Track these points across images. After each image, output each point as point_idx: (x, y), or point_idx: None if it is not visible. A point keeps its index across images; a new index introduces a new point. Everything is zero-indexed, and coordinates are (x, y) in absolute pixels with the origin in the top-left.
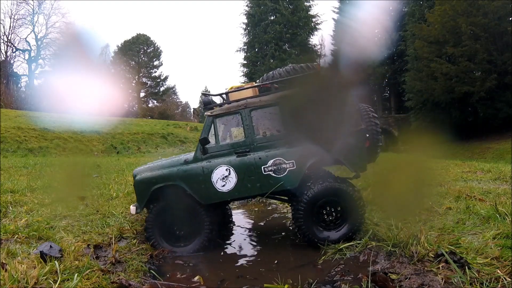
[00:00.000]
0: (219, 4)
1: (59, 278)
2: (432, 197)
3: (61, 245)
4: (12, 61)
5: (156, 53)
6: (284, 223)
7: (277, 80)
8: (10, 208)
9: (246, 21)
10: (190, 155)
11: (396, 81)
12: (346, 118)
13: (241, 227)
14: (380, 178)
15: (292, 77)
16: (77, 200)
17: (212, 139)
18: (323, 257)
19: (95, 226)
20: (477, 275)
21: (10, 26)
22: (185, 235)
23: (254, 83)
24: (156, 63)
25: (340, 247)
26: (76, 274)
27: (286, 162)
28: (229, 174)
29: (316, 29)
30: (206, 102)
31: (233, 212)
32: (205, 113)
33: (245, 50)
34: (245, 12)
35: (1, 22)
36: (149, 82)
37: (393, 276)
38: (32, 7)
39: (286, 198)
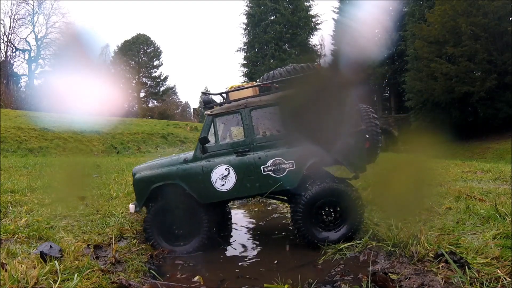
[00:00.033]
0: (219, 4)
1: (59, 278)
2: (432, 197)
3: (61, 245)
4: (12, 61)
5: (156, 53)
6: (284, 223)
7: (278, 80)
8: (10, 208)
9: (246, 21)
10: (190, 154)
11: (396, 81)
12: (346, 118)
13: (241, 227)
14: (380, 178)
15: (293, 77)
16: (77, 200)
17: (211, 138)
18: (323, 257)
19: (95, 226)
20: (477, 275)
21: (10, 26)
22: (184, 234)
23: (254, 82)
24: (156, 63)
25: (340, 247)
26: (76, 274)
27: (286, 162)
28: (228, 173)
29: (316, 29)
30: (206, 101)
31: (233, 212)
32: (205, 112)
33: (245, 50)
34: (245, 12)
35: (1, 22)
36: (149, 82)
37: (393, 276)
38: (32, 7)
39: (285, 198)
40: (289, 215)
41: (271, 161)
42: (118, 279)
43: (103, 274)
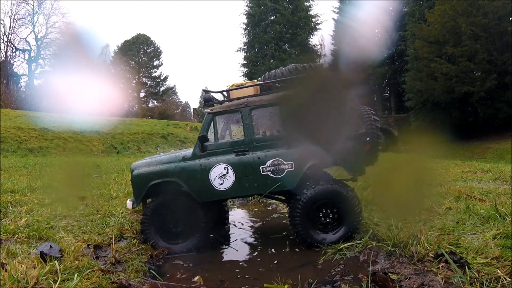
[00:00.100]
0: (219, 4)
1: (59, 278)
2: (432, 197)
3: (61, 245)
4: (12, 61)
5: (156, 53)
6: (284, 223)
7: (279, 80)
8: (10, 208)
9: (246, 21)
10: (189, 152)
11: (396, 81)
12: (347, 120)
13: (241, 227)
14: (380, 178)
15: (294, 77)
16: (77, 200)
17: (211, 137)
18: (323, 257)
19: (95, 226)
20: (477, 275)
21: (10, 26)
22: (181, 232)
23: (256, 81)
24: (156, 63)
25: (340, 247)
26: (76, 274)
27: (285, 163)
28: (227, 172)
29: (316, 29)
30: (207, 99)
31: (233, 211)
32: (205, 110)
33: (245, 50)
34: (245, 12)
35: (1, 22)
36: (149, 82)
37: (393, 276)
38: (32, 7)
39: (283, 198)
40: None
41: (270, 161)
42: (118, 279)
43: (103, 274)
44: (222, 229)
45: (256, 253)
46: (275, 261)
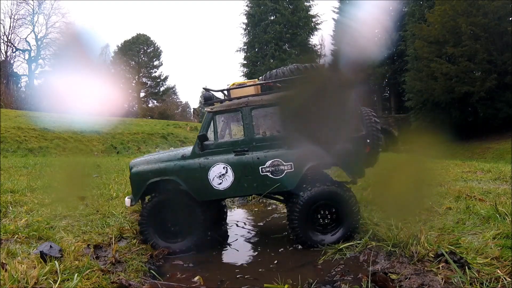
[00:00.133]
0: (219, 4)
1: (59, 278)
2: (432, 197)
3: (61, 245)
4: (12, 61)
5: (156, 53)
6: (284, 223)
7: (280, 80)
8: (10, 208)
9: (246, 21)
10: (188, 150)
11: (396, 81)
12: (347, 122)
13: (241, 227)
14: (380, 178)
15: (295, 77)
16: (77, 200)
17: (211, 136)
18: (323, 257)
19: (95, 226)
20: (477, 275)
21: (10, 26)
22: (179, 230)
23: (257, 80)
24: (156, 63)
25: (340, 247)
26: (76, 274)
27: (284, 164)
28: (226, 172)
29: (316, 29)
30: (207, 98)
31: (233, 211)
32: (205, 109)
33: (245, 50)
34: (245, 12)
35: (1, 22)
36: (149, 82)
37: (393, 276)
38: (32, 7)
39: (282, 198)
40: None
41: (269, 162)
42: (118, 279)
43: (103, 274)
44: (220, 228)
45: (256, 253)
46: (275, 261)
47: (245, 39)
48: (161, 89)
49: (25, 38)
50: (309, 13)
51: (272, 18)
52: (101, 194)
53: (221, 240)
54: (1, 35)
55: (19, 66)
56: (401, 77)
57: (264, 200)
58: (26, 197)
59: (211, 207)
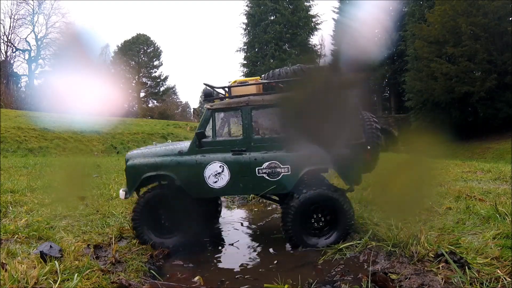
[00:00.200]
0: (219, 4)
1: (59, 278)
2: (432, 197)
3: (61, 245)
4: (12, 61)
5: (156, 53)
6: None
7: (281, 80)
8: (10, 208)
9: (246, 21)
10: (185, 145)
11: (396, 81)
12: (348, 128)
13: (241, 227)
14: (380, 178)
15: (298, 78)
16: (77, 200)
17: (209, 133)
18: (323, 257)
19: (95, 226)
20: (477, 275)
21: (10, 26)
22: (172, 226)
23: (258, 78)
24: (156, 63)
25: (340, 247)
26: (76, 274)
27: (282, 166)
28: (222, 171)
29: (316, 29)
30: (208, 94)
31: (233, 211)
32: (205, 106)
33: (245, 50)
34: (245, 12)
35: (1, 22)
36: (149, 82)
37: (393, 276)
38: (32, 7)
39: (277, 199)
40: None
41: (266, 163)
42: (118, 279)
43: (103, 274)
44: (213, 227)
45: (256, 253)
46: (275, 261)
47: (245, 39)
48: (161, 89)
49: (25, 38)
50: (309, 13)
51: (272, 18)
52: (101, 194)
53: (214, 238)
54: (1, 35)
55: (19, 66)
56: (401, 77)
57: (264, 200)
58: (26, 197)
59: (206, 204)
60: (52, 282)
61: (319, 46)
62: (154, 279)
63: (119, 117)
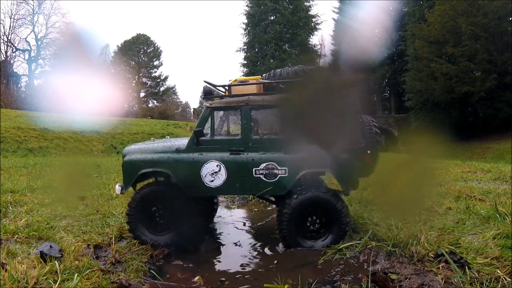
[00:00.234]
0: (219, 4)
1: (59, 278)
2: (432, 197)
3: (61, 245)
4: (12, 61)
5: (156, 53)
6: None
7: (284, 81)
8: (10, 208)
9: (246, 21)
10: (183, 143)
11: (396, 81)
12: (347, 132)
13: (241, 227)
14: (380, 178)
15: (299, 79)
16: (77, 200)
17: (207, 131)
18: (323, 257)
19: (95, 226)
20: (477, 275)
21: (10, 26)
22: (167, 223)
23: (259, 77)
24: (156, 63)
25: (340, 247)
26: (76, 274)
27: (279, 168)
28: (219, 170)
29: (316, 29)
30: (207, 92)
31: (233, 211)
32: (204, 104)
33: (245, 50)
34: (245, 12)
35: (1, 22)
36: (149, 82)
37: (393, 276)
38: (32, 7)
39: (273, 199)
40: None
41: (264, 164)
42: (118, 279)
43: (103, 274)
44: (208, 226)
45: (256, 253)
46: (275, 261)
47: (245, 39)
48: (161, 89)
49: (25, 38)
50: (309, 13)
51: (272, 18)
52: (101, 194)
53: (213, 238)
54: (1, 35)
55: (19, 66)
56: (401, 77)
57: (264, 200)
58: (26, 197)
59: (201, 203)
60: (52, 282)
61: (319, 46)
62: (154, 279)
63: (119, 117)
